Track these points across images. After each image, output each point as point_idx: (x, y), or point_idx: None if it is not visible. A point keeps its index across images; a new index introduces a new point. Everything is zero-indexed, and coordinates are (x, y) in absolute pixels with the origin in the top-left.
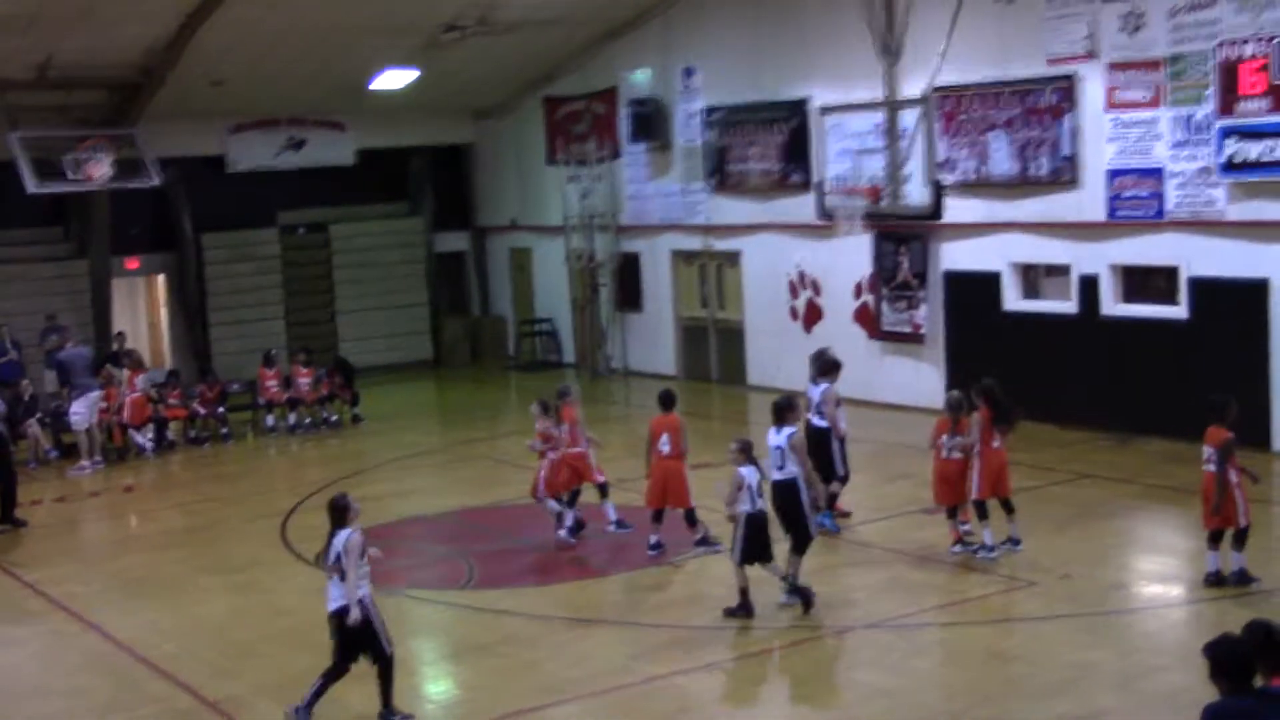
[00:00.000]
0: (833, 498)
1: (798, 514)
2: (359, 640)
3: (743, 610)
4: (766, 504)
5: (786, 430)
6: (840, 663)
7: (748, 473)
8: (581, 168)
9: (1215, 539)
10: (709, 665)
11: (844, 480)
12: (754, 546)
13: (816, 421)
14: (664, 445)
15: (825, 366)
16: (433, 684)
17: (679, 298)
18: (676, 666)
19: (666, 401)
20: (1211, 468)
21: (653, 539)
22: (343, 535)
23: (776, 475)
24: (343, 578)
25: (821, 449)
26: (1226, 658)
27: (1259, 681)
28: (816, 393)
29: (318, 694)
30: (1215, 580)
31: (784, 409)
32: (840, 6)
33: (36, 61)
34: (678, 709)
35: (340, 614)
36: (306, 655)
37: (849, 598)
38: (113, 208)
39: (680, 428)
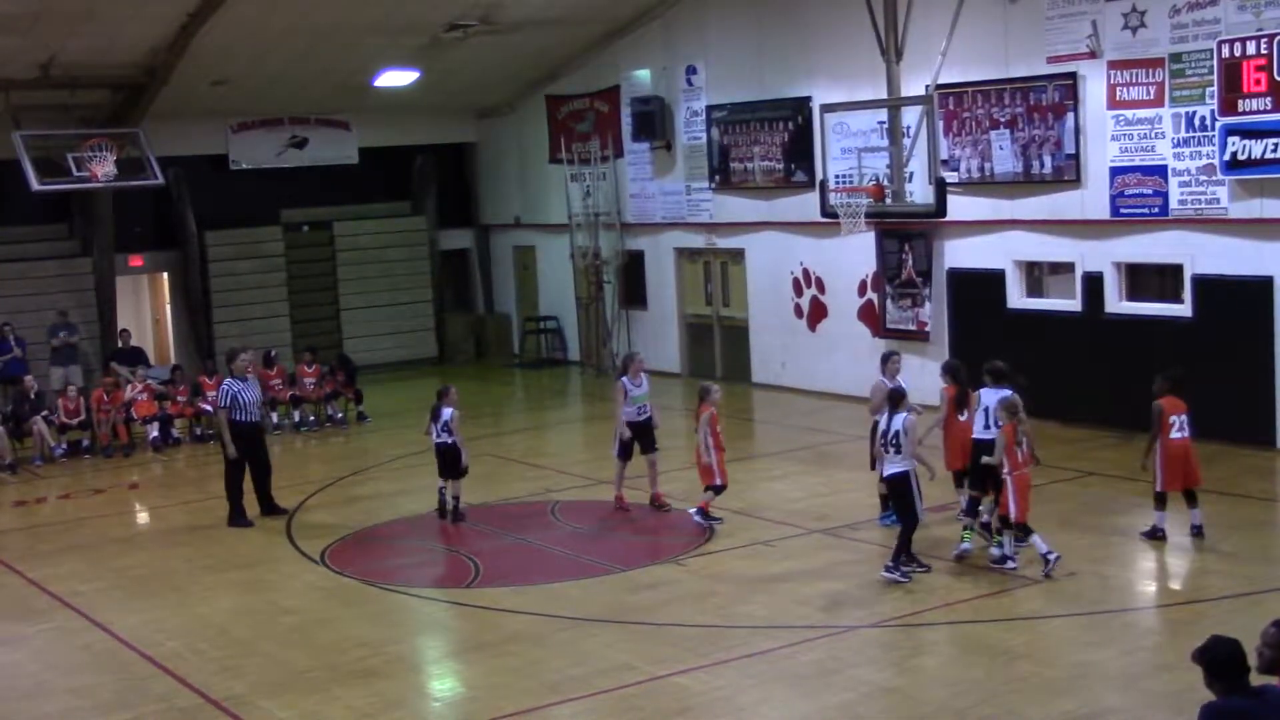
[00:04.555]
0: None
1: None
2: (903, 499)
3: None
4: (451, 439)
5: (900, 416)
6: (843, 661)
7: (447, 413)
8: (584, 166)
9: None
10: (711, 664)
11: None
12: (443, 467)
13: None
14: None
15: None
16: (437, 682)
17: (683, 295)
18: (679, 666)
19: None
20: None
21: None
22: (900, 418)
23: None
24: (898, 450)
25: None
26: (1219, 659)
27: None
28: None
29: (902, 549)
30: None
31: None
32: (843, 4)
33: (40, 61)
34: (680, 708)
35: (893, 478)
36: (310, 654)
37: (852, 595)
38: (116, 205)
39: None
